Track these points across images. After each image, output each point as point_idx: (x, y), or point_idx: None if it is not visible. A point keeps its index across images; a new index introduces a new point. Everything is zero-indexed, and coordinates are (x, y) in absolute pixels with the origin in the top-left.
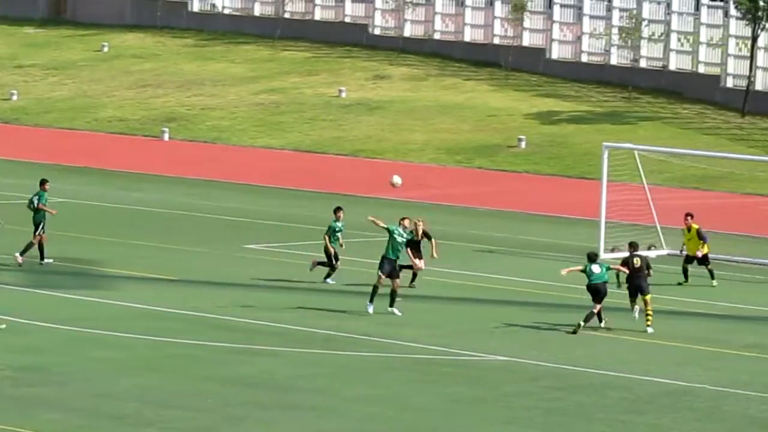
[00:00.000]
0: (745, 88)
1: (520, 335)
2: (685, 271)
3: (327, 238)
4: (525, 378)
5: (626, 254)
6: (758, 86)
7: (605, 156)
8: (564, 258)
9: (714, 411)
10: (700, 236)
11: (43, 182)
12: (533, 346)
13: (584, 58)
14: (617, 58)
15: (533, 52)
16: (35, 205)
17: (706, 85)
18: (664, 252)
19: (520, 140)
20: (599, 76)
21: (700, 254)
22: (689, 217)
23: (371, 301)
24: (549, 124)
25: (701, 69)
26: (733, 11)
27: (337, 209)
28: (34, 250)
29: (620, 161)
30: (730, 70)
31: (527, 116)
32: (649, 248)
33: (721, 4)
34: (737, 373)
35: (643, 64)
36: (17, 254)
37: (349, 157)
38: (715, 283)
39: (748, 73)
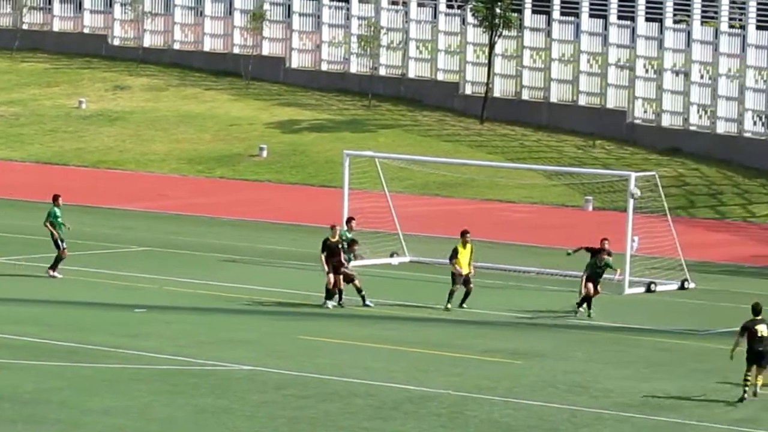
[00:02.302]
0: (483, 95)
1: (265, 344)
2: (451, 294)
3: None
4: (270, 387)
5: (368, 261)
6: (496, 93)
7: (346, 164)
8: (307, 266)
9: (458, 416)
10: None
11: (55, 198)
12: (278, 355)
13: (324, 67)
14: (357, 66)
15: (273, 62)
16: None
17: (445, 92)
18: (406, 259)
19: (261, 149)
20: (339, 84)
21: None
22: (467, 234)
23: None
24: (290, 132)
25: (440, 76)
26: (470, 19)
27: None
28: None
29: (361, 169)
30: (469, 77)
31: (268, 125)
32: (391, 255)
33: (459, 12)
34: (479, 378)
35: (382, 72)
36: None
37: (91, 169)
38: (465, 306)
39: (486, 80)
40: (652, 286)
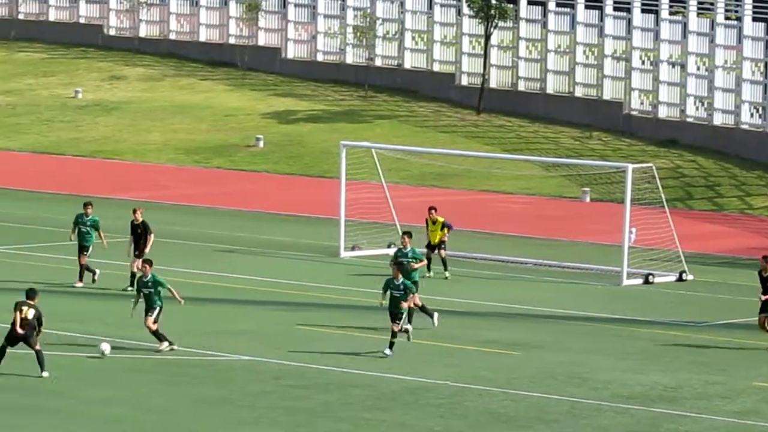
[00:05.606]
0: (479, 86)
1: (263, 335)
2: (429, 261)
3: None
4: (269, 377)
5: (365, 252)
6: (492, 84)
7: (343, 155)
8: (305, 257)
9: (456, 407)
10: (445, 226)
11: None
12: (276, 346)
13: (320, 57)
14: (353, 57)
15: (269, 52)
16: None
17: (441, 83)
18: None
19: (258, 140)
20: (335, 75)
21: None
22: (433, 210)
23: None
24: (286, 123)
25: (436, 67)
26: (466, 10)
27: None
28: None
29: (358, 160)
30: (465, 68)
31: (264, 116)
32: (389, 246)
33: (454, 2)
34: (477, 369)
35: (378, 62)
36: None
37: (88, 158)
38: (447, 274)
39: (482, 71)
40: (650, 277)
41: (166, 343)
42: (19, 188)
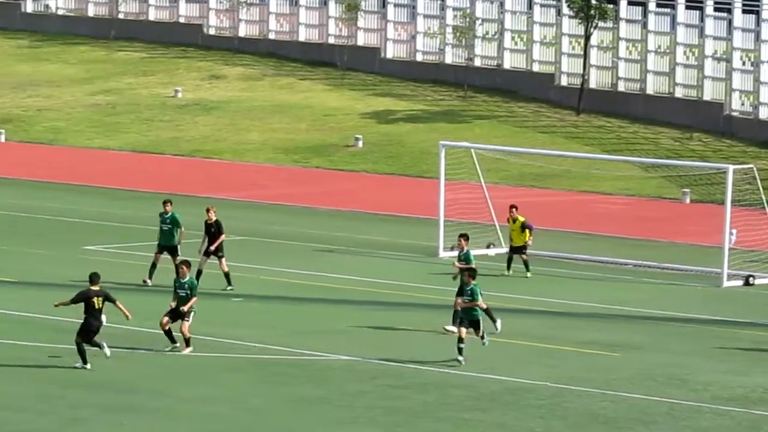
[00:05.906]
0: (579, 87)
1: (361, 334)
2: (509, 261)
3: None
4: (367, 377)
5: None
6: (592, 84)
7: (442, 155)
8: (404, 257)
9: (556, 407)
10: (525, 227)
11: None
12: (375, 346)
13: (419, 57)
14: (452, 57)
15: (368, 52)
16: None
17: (540, 83)
18: (503, 250)
19: (357, 140)
20: (434, 75)
21: (530, 242)
22: (514, 209)
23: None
24: (386, 123)
25: (535, 68)
26: (565, 10)
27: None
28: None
29: (457, 160)
30: (564, 68)
31: (363, 115)
32: (488, 246)
33: (554, 2)
34: (576, 369)
35: (477, 63)
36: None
37: (187, 158)
38: (529, 275)
39: (582, 72)
40: (751, 279)
41: (185, 346)
42: (118, 187)
